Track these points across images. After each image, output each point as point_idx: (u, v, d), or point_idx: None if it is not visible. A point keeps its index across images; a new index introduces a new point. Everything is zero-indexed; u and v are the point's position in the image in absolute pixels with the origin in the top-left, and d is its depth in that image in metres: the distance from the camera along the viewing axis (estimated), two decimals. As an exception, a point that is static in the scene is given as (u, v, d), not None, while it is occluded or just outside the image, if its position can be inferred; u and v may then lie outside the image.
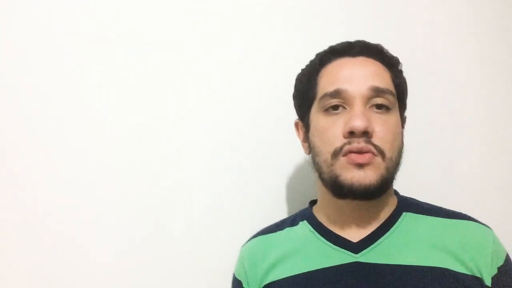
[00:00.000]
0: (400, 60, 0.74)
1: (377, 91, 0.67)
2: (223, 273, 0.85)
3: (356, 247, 0.68)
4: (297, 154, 0.92)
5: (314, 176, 0.74)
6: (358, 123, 0.64)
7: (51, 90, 0.82)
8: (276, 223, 0.80)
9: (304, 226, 0.74)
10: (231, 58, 0.93)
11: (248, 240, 0.80)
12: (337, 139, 0.66)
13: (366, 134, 0.64)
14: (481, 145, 1.06)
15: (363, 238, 0.68)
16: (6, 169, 0.78)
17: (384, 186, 0.66)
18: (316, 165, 0.70)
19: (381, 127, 0.66)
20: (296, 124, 0.79)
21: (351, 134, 0.65)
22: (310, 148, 0.73)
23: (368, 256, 0.66)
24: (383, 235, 0.68)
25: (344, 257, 0.67)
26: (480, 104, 1.08)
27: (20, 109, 0.80)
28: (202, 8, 0.92)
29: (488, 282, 0.63)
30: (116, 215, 0.83)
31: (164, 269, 0.84)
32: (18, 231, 0.77)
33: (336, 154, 0.66)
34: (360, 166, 0.64)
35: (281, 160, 0.94)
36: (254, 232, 0.81)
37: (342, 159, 0.65)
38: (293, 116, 0.82)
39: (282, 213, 0.92)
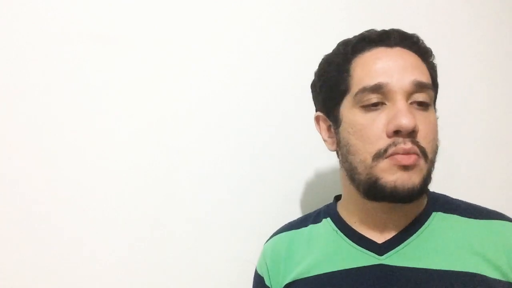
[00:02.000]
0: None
1: (420, 86, 0.61)
2: (227, 273, 0.85)
3: (381, 249, 0.64)
4: (304, 153, 0.93)
5: (340, 171, 0.70)
6: (406, 121, 0.58)
7: (51, 90, 0.81)
8: (300, 218, 0.77)
9: (327, 224, 0.71)
10: (235, 56, 0.92)
11: (272, 236, 0.77)
12: (380, 139, 0.60)
13: (412, 133, 0.59)
14: (481, 145, 1.06)
15: (388, 239, 0.65)
16: (7, 169, 0.78)
17: (425, 189, 0.62)
18: (348, 164, 0.64)
19: (424, 125, 0.61)
20: (318, 118, 0.72)
21: (397, 133, 0.59)
22: (339, 144, 0.67)
23: (393, 258, 0.63)
24: (410, 236, 0.64)
25: (368, 258, 0.64)
26: (479, 104, 1.08)
27: (20, 109, 0.80)
28: (205, 7, 0.92)
29: None
30: (117, 215, 0.82)
31: (165, 270, 0.84)
32: (17, 231, 0.77)
33: (378, 155, 0.60)
34: (406, 168, 0.59)
35: (288, 160, 0.93)
36: (259, 233, 0.81)
37: (385, 161, 0.59)
38: (299, 115, 0.80)
39: (289, 213, 0.91)
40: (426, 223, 0.65)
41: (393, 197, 0.60)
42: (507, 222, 0.64)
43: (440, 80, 1.02)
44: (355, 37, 0.68)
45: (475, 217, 0.65)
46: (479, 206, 0.68)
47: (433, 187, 0.96)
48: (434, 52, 1.03)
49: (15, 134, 0.79)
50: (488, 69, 1.11)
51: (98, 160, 0.82)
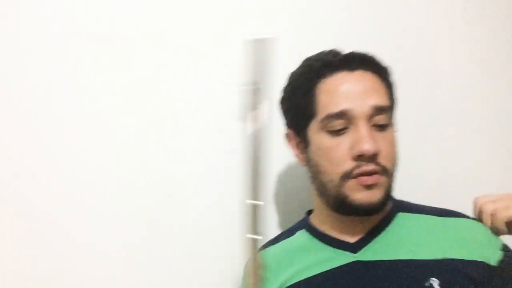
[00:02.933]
0: (398, 61, 0.76)
1: (379, 110, 0.68)
2: (222, 274, 0.85)
3: (354, 247, 0.70)
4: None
5: (310, 186, 0.75)
6: (368, 147, 0.66)
7: (52, 90, 0.81)
8: (275, 236, 0.81)
9: (303, 234, 0.76)
10: (232, 57, 0.93)
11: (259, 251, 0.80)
12: (346, 162, 0.67)
13: (373, 156, 0.66)
14: (480, 145, 1.06)
15: (360, 238, 0.71)
16: (7, 168, 0.78)
17: (387, 200, 0.70)
18: (317, 181, 0.72)
19: (385, 146, 0.68)
20: (288, 135, 0.78)
21: (361, 157, 0.66)
22: (309, 163, 0.73)
23: (366, 254, 0.69)
24: (379, 233, 0.71)
25: (344, 257, 0.70)
26: (479, 104, 1.08)
27: (20, 109, 0.80)
28: (205, 7, 0.92)
29: (494, 262, 0.66)
30: (115, 215, 0.83)
31: (163, 269, 0.84)
32: (17, 230, 0.77)
33: (345, 176, 0.67)
34: (369, 187, 0.67)
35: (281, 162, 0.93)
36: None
37: (352, 181, 0.67)
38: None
39: (290, 211, 0.92)
40: (393, 221, 0.73)
41: (359, 212, 0.69)
42: (464, 218, 0.73)
43: (440, 80, 1.02)
44: (318, 59, 0.73)
45: (439, 215, 0.73)
46: (439, 207, 0.76)
47: (431, 187, 0.97)
48: (434, 51, 1.04)
49: (15, 133, 0.79)
50: (488, 69, 1.11)
51: (97, 159, 0.83)
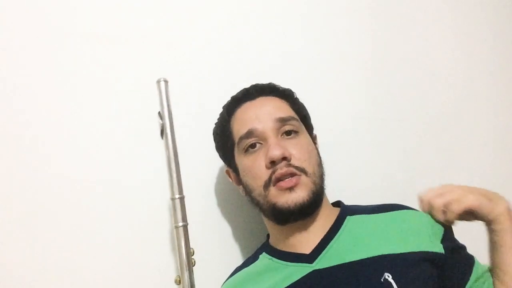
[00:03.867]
0: (399, 61, 0.76)
1: (282, 121, 0.77)
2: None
3: (310, 257, 0.73)
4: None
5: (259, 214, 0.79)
6: (275, 152, 0.72)
7: (53, 89, 0.82)
8: (244, 261, 0.85)
9: (264, 257, 0.80)
10: (235, 56, 0.94)
11: (226, 280, 0.83)
12: (263, 172, 0.74)
13: (285, 159, 0.73)
14: (480, 145, 1.06)
15: (314, 248, 0.74)
16: (7, 168, 0.78)
17: (317, 198, 0.75)
18: (253, 200, 0.78)
19: (296, 149, 0.75)
20: (227, 172, 0.86)
21: (273, 164, 0.73)
22: (244, 188, 0.80)
23: (322, 262, 0.72)
24: (331, 240, 0.74)
25: (302, 269, 0.72)
26: (479, 104, 1.08)
27: (21, 109, 0.80)
28: (206, 7, 0.93)
29: (439, 249, 0.70)
30: (114, 216, 0.83)
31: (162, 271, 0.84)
32: (16, 230, 0.77)
33: (266, 185, 0.74)
34: (291, 189, 0.72)
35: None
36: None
37: (272, 189, 0.74)
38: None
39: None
40: (343, 226, 0.76)
41: (292, 214, 0.73)
42: (407, 210, 0.77)
43: (440, 79, 1.02)
44: (228, 101, 0.84)
45: (384, 211, 0.77)
46: (385, 204, 0.80)
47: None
48: (434, 51, 1.04)
49: (15, 132, 0.79)
50: (488, 69, 1.11)
51: (97, 157, 0.83)
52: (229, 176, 0.86)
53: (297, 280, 0.71)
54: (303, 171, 0.73)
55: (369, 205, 0.81)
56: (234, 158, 0.81)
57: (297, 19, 1.05)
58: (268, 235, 0.85)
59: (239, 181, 0.82)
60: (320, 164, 0.78)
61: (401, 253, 0.69)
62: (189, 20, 0.95)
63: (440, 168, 1.03)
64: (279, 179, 0.73)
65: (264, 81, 0.83)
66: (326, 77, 1.06)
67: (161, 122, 0.67)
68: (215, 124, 0.87)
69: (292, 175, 0.72)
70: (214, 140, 0.87)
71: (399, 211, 0.77)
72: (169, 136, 0.67)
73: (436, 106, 1.05)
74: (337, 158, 0.98)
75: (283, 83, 0.84)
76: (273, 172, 0.73)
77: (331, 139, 0.98)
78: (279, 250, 0.78)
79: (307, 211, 0.73)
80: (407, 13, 1.08)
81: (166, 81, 0.67)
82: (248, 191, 0.79)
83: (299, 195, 0.72)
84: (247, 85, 0.84)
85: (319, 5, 1.06)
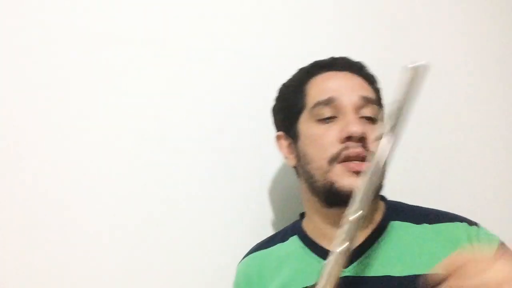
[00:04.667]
0: (399, 60, 0.76)
1: (366, 101, 0.70)
2: (219, 274, 0.85)
3: None
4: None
5: (301, 187, 0.74)
6: (356, 128, 0.66)
7: (57, 89, 0.82)
8: (268, 238, 0.79)
9: (294, 242, 0.74)
10: (233, 58, 0.93)
11: (244, 257, 0.79)
12: (333, 145, 0.67)
13: (362, 140, 0.66)
14: (481, 145, 1.07)
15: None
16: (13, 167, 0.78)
17: (378, 188, 0.67)
18: (306, 174, 0.71)
19: (372, 135, 0.66)
20: (279, 137, 0.78)
21: (348, 139, 0.66)
22: (298, 158, 0.73)
23: (356, 269, 0.66)
24: (370, 247, 0.68)
25: None
26: (480, 104, 1.08)
27: (23, 109, 0.80)
28: (206, 8, 0.92)
29: None
30: (114, 216, 0.82)
31: (160, 271, 0.83)
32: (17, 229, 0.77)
33: (332, 160, 0.67)
34: (357, 173, 0.64)
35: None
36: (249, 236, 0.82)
37: (338, 166, 0.66)
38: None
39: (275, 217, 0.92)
40: (384, 233, 0.69)
41: (348, 199, 0.61)
42: (455, 223, 0.68)
43: (439, 79, 1.02)
44: (309, 64, 0.77)
45: (428, 222, 0.69)
46: (432, 211, 0.73)
47: (432, 187, 0.98)
48: (434, 51, 1.04)
49: (16, 132, 0.79)
50: (488, 69, 1.11)
51: (97, 159, 0.82)
52: (279, 142, 0.78)
53: None
54: None
55: (417, 208, 0.73)
56: (297, 123, 0.73)
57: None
58: (301, 215, 0.78)
59: (292, 149, 0.75)
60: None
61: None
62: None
63: (440, 168, 1.04)
64: (348, 158, 0.66)
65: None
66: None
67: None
68: (284, 84, 0.79)
69: (363, 159, 0.65)
70: (278, 99, 0.79)
71: (449, 223, 0.68)
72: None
73: (437, 105, 1.05)
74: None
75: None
76: (345, 148, 0.66)
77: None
78: (313, 240, 0.72)
79: None
80: (406, 13, 1.08)
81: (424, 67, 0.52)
82: (303, 162, 0.71)
83: None
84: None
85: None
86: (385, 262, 0.66)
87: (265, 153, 0.90)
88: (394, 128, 0.54)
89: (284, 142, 0.77)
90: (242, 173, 0.90)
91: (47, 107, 0.80)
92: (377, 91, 0.76)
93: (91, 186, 0.81)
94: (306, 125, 0.71)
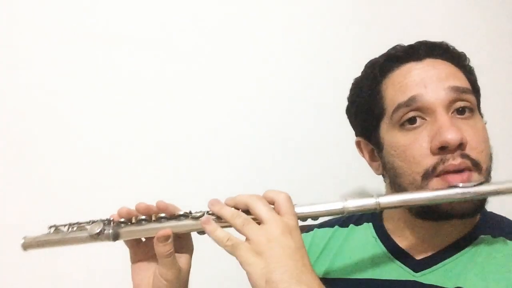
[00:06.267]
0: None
1: (457, 91, 0.58)
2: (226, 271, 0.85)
3: (417, 266, 0.60)
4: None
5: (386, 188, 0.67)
6: (451, 135, 0.54)
7: (56, 88, 0.82)
8: (343, 216, 0.67)
9: (367, 229, 0.69)
10: (234, 57, 0.93)
11: (314, 228, 0.75)
12: (426, 158, 0.56)
13: (460, 146, 0.55)
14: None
15: (427, 257, 0.61)
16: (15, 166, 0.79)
17: (483, 203, 0.58)
18: (398, 187, 0.60)
19: (472, 135, 0.56)
20: (358, 143, 0.70)
21: (443, 149, 0.55)
22: (385, 168, 0.63)
23: (428, 277, 0.59)
24: (450, 257, 0.59)
25: (402, 273, 0.61)
26: (481, 104, 1.08)
27: (22, 108, 0.80)
28: (207, 8, 0.93)
29: None
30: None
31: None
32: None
33: (427, 175, 0.56)
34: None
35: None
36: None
37: (435, 180, 0.56)
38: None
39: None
40: (470, 246, 0.60)
41: (449, 216, 0.57)
42: None
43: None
44: (381, 56, 0.66)
45: None
46: None
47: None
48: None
49: (16, 131, 0.79)
50: (489, 69, 1.11)
51: (97, 156, 0.84)
52: (360, 149, 0.70)
53: (394, 281, 0.60)
54: (477, 166, 0.56)
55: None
56: (378, 130, 0.63)
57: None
58: None
59: (376, 159, 0.66)
60: (492, 159, 0.59)
61: None
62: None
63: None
64: (447, 172, 0.55)
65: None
66: (332, 75, 1.05)
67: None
68: (357, 82, 0.68)
69: (464, 170, 0.55)
70: (352, 101, 0.69)
71: None
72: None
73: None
74: (337, 158, 0.98)
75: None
76: (441, 161, 0.55)
77: (335, 138, 0.98)
78: (389, 236, 0.65)
79: (467, 217, 0.58)
80: (407, 13, 1.08)
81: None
82: (392, 174, 0.61)
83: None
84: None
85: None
86: (461, 276, 0.57)
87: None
88: None
89: (365, 149, 0.68)
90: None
91: (50, 108, 0.81)
92: (469, 72, 0.64)
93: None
94: (389, 134, 0.61)
